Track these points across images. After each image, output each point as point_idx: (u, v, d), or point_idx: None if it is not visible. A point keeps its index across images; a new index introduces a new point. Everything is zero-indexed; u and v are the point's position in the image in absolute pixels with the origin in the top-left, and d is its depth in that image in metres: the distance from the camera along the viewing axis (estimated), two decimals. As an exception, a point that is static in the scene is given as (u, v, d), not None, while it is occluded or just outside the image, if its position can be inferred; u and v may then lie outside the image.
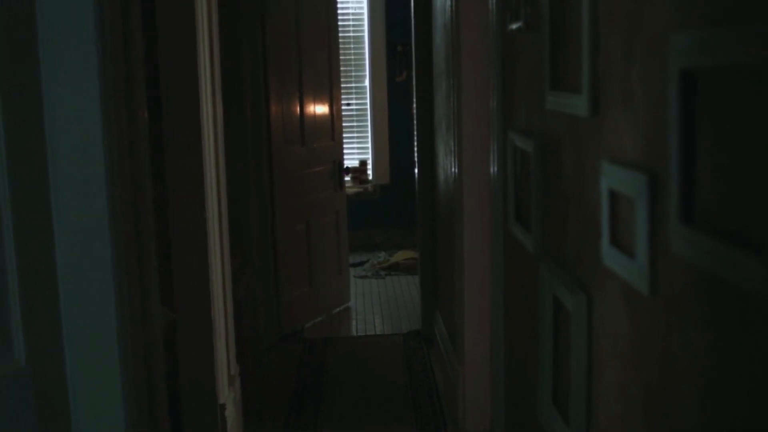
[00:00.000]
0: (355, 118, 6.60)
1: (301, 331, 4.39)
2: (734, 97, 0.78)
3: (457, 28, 2.83)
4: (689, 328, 0.91)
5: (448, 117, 3.31)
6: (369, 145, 6.62)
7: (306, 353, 4.06)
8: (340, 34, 5.26)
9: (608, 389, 1.20)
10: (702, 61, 0.84)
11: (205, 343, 2.62)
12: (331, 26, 4.63)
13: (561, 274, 1.41)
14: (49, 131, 1.54)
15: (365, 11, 6.46)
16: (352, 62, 6.54)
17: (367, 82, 6.56)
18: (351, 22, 6.52)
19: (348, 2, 6.47)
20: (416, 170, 4.29)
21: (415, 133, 4.26)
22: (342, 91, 5.01)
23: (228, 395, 2.80)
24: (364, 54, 6.54)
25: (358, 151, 6.65)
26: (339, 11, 5.23)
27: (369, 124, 6.59)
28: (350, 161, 6.47)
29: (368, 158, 6.63)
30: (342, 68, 5.22)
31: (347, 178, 5.98)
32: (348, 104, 6.50)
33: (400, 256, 5.90)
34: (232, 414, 2.83)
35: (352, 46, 6.52)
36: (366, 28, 6.50)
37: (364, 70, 6.56)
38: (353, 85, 6.57)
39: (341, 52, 5.32)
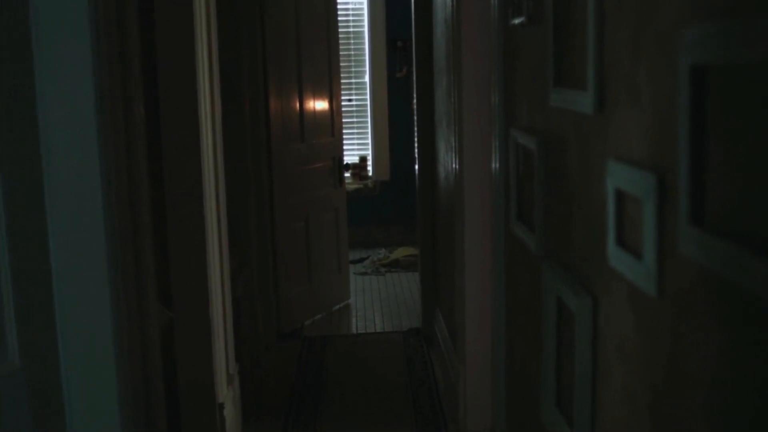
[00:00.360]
0: (354, 114, 6.57)
1: (301, 329, 4.37)
2: (747, 95, 0.75)
3: (458, 23, 2.80)
4: (698, 331, 0.89)
5: (448, 113, 3.28)
6: (369, 141, 6.59)
7: (305, 351, 4.03)
8: (340, 30, 5.22)
9: (614, 392, 1.18)
10: (713, 57, 0.81)
11: (204, 342, 2.59)
12: (330, 22, 4.60)
13: (565, 275, 1.38)
14: (43, 129, 1.51)
15: (365, 6, 6.43)
16: (352, 58, 6.50)
17: (367, 78, 6.53)
18: (351, 18, 6.48)
19: (348, -2, 6.44)
20: (416, 167, 4.27)
21: (416, 129, 4.24)
22: (342, 87, 4.98)
23: (227, 394, 2.77)
24: (364, 50, 6.50)
25: (357, 147, 6.62)
26: (339, 6, 5.20)
27: (369, 120, 6.56)
28: (350, 157, 6.44)
29: (368, 154, 6.60)
30: (342, 64, 5.19)
31: (347, 175, 5.95)
32: (350, 100, 6.47)
33: (400, 252, 5.88)
34: (230, 413, 2.81)
35: (351, 41, 6.49)
36: (366, 23, 6.46)
37: (364, 66, 6.52)
38: (353, 80, 6.53)
39: (341, 47, 5.29)
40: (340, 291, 4.79)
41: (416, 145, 4.23)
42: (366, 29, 6.46)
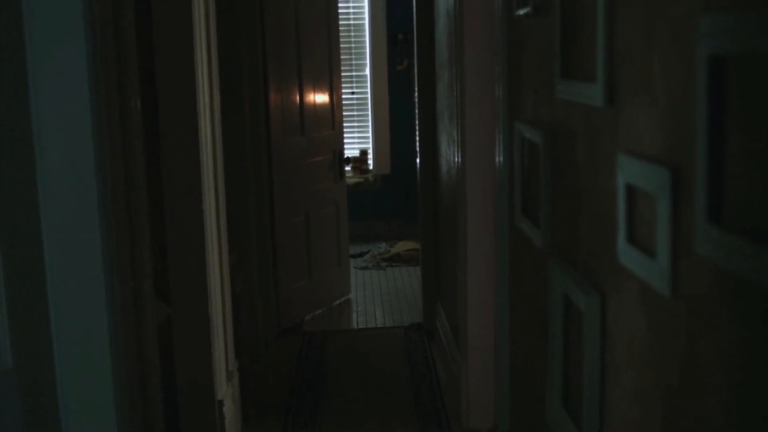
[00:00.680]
0: (355, 108, 6.52)
1: (301, 325, 4.34)
2: (770, 86, 0.71)
3: (461, 14, 2.76)
4: (714, 331, 0.85)
5: (450, 106, 3.24)
6: (369, 134, 6.55)
7: (305, 347, 4.00)
8: (340, 22, 5.17)
9: (624, 394, 1.14)
10: (733, 46, 0.77)
11: (203, 339, 2.56)
12: (330, 14, 4.55)
13: (572, 272, 1.35)
14: (36, 126, 1.47)
15: (365, -1, 6.38)
16: (353, 51, 6.45)
17: (367, 71, 6.48)
18: (351, 10, 6.43)
19: (348, -10, 6.38)
20: (418, 160, 4.23)
21: (417, 122, 4.20)
22: (342, 80, 4.94)
23: (226, 391, 2.74)
24: (364, 42, 6.45)
25: (358, 140, 6.58)
26: (339, -1, 5.14)
27: (369, 113, 6.52)
28: (350, 151, 6.40)
29: (369, 148, 6.56)
30: (342, 57, 5.14)
31: (347, 168, 5.91)
32: (351, 93, 6.42)
33: (401, 247, 5.85)
34: (230, 410, 2.78)
35: (352, 34, 6.44)
36: (366, 15, 6.41)
37: (365, 59, 6.47)
38: (353, 73, 6.48)
39: (341, 40, 5.24)
40: (340, 286, 4.75)
41: (417, 138, 4.19)
42: (366, 22, 6.41)
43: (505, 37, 1.95)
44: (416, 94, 4.22)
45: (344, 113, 5.45)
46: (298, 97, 4.31)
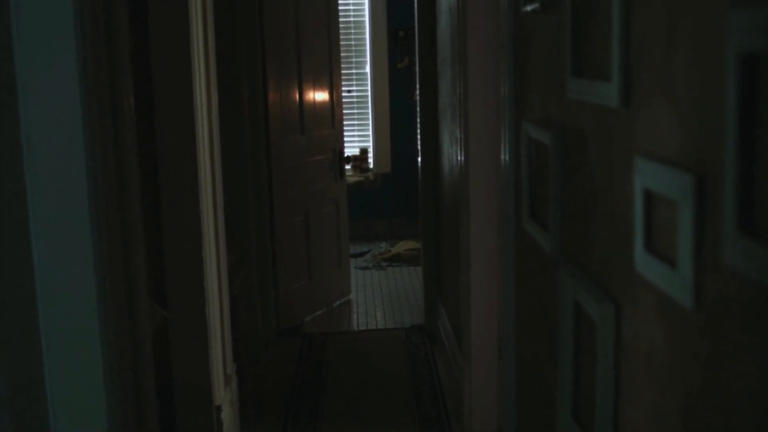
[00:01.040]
0: (355, 106, 6.46)
1: (301, 326, 4.28)
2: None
3: (464, 11, 2.70)
4: (741, 349, 0.80)
5: (453, 104, 3.18)
6: (370, 132, 6.49)
7: (305, 348, 3.95)
8: (340, 19, 5.11)
9: (640, 411, 1.09)
10: (766, 43, 0.71)
11: (200, 343, 2.50)
12: (330, 11, 4.49)
13: (584, 279, 1.29)
14: (24, 122, 1.42)
15: (366, -5, 6.32)
16: (353, 48, 6.39)
17: (368, 69, 6.42)
18: (351, 7, 6.36)
19: (348, -14, 6.32)
20: (419, 159, 4.17)
21: (418, 120, 4.14)
22: (342, 77, 4.88)
23: (224, 396, 2.69)
24: (364, 39, 6.39)
25: (358, 139, 6.52)
26: (339, -5, 5.08)
27: (370, 111, 6.46)
28: (351, 149, 6.34)
29: (369, 146, 6.50)
30: (342, 54, 5.08)
31: (347, 167, 5.85)
32: (350, 91, 6.36)
33: (402, 246, 5.79)
34: (228, 415, 2.72)
35: (352, 31, 6.37)
36: (367, 12, 6.34)
37: (365, 56, 6.41)
38: (354, 71, 6.42)
39: (341, 37, 5.18)
40: (340, 286, 4.70)
41: (419, 136, 4.14)
42: (367, 18, 6.35)
43: (512, 34, 1.89)
44: (417, 91, 4.17)
45: (344, 111, 5.40)
46: (297, 95, 4.25)
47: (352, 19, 6.37)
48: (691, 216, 0.88)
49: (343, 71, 5.13)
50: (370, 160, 6.49)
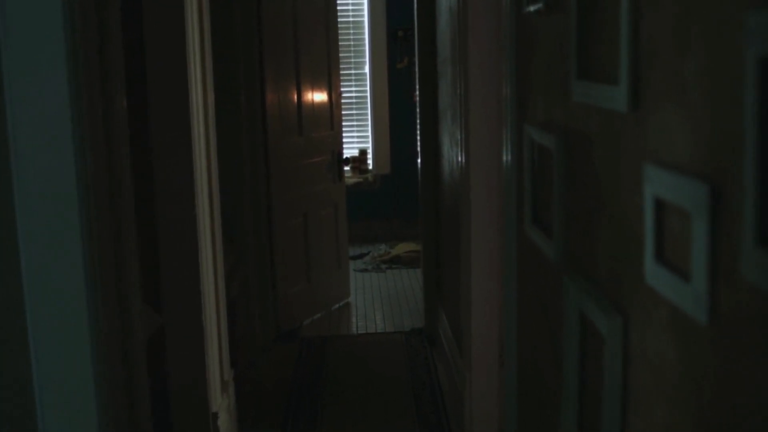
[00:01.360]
0: (354, 106, 6.42)
1: (299, 329, 4.24)
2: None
3: (465, 10, 2.65)
4: (758, 366, 0.75)
5: (453, 106, 3.14)
6: (369, 133, 6.45)
7: (304, 352, 3.90)
8: (339, 19, 5.06)
9: (649, 426, 1.04)
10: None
11: (196, 348, 2.46)
12: (329, 10, 4.44)
13: (590, 290, 1.25)
14: (11, 124, 1.37)
15: (365, -5, 6.27)
16: (352, 48, 6.35)
17: (367, 69, 6.37)
18: (350, 7, 6.32)
19: (347, -14, 6.27)
20: (419, 160, 4.13)
21: (418, 121, 4.10)
22: (341, 78, 4.83)
23: (221, 403, 2.64)
24: (363, 39, 6.34)
25: (357, 140, 6.48)
26: (338, -5, 5.03)
27: (369, 112, 6.41)
28: (350, 150, 6.30)
29: (368, 147, 6.46)
30: (341, 54, 5.04)
31: (346, 168, 5.81)
32: (349, 91, 6.31)
33: (402, 248, 5.75)
34: (225, 422, 2.68)
35: (351, 31, 6.33)
36: (366, 12, 6.30)
37: (364, 56, 6.37)
38: (353, 71, 6.38)
39: (340, 37, 5.13)
40: (339, 289, 4.66)
41: (418, 138, 4.09)
42: (366, 18, 6.30)
43: (514, 35, 1.85)
44: (417, 92, 4.13)
45: (343, 112, 5.35)
46: (295, 96, 4.21)
47: (351, 19, 6.32)
48: (705, 227, 0.84)
49: (342, 72, 5.09)
50: (370, 161, 6.45)
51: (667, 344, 0.97)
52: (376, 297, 4.85)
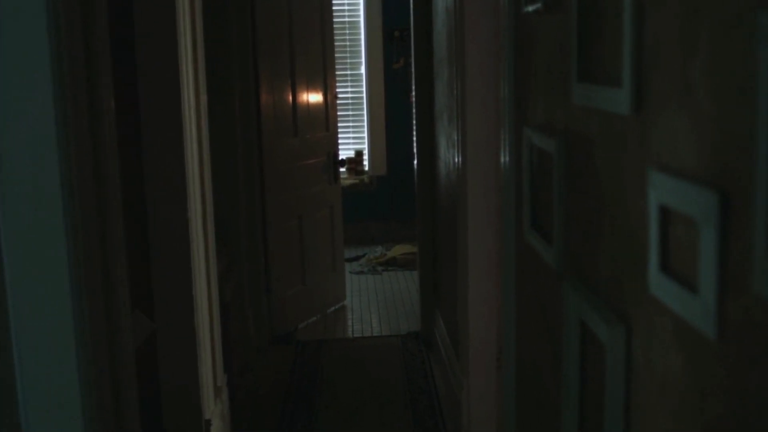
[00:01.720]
0: (350, 107, 6.38)
1: (294, 333, 4.19)
2: None
3: (461, 10, 2.61)
4: (770, 383, 0.72)
5: (450, 107, 3.10)
6: (365, 135, 6.40)
7: (299, 356, 3.86)
8: (335, 19, 5.02)
9: (654, 442, 1.00)
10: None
11: (188, 354, 2.41)
12: (325, 11, 4.40)
13: (591, 298, 1.21)
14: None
15: (361, -5, 6.23)
16: (347, 48, 6.31)
17: (363, 70, 6.33)
18: (346, 6, 6.28)
19: (343, -14, 6.23)
20: (415, 161, 4.09)
21: (414, 122, 4.06)
22: (337, 78, 4.79)
23: (214, 409, 2.60)
24: (359, 40, 6.30)
25: (353, 141, 6.43)
26: (333, -5, 4.99)
27: (365, 113, 6.37)
28: (346, 151, 6.26)
29: (364, 149, 6.42)
30: (337, 55, 5.00)
31: (342, 169, 5.77)
32: (336, 96, 6.28)
33: (398, 250, 5.71)
34: (219, 429, 2.63)
35: (347, 31, 6.29)
36: (362, 12, 6.26)
37: (360, 57, 6.33)
38: (348, 72, 6.34)
39: (336, 37, 5.09)
40: (335, 292, 4.61)
41: (415, 139, 4.06)
42: (362, 18, 6.26)
43: (512, 35, 1.81)
44: (413, 93, 4.09)
45: (339, 113, 5.32)
46: (290, 97, 4.16)
47: (346, 19, 6.28)
48: (714, 237, 0.80)
49: (337, 72, 5.05)
50: (366, 162, 6.41)
51: (672, 356, 0.93)
52: (372, 300, 4.81)
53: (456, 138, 2.89)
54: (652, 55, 0.97)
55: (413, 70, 4.04)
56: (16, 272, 1.39)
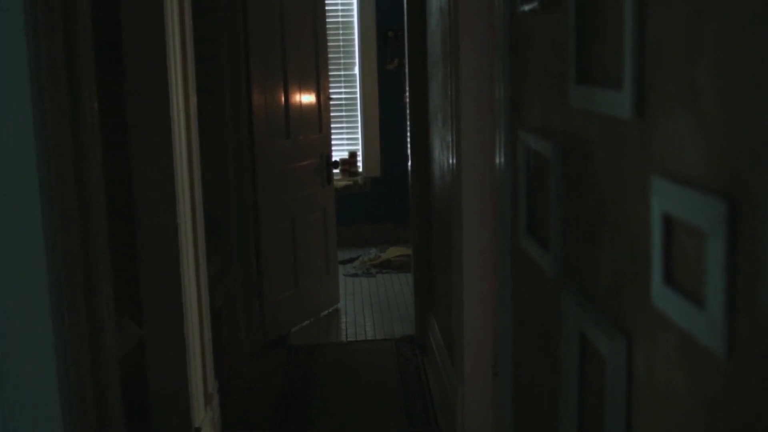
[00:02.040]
0: (344, 108, 6.33)
1: (287, 337, 4.14)
2: None
3: (456, 10, 2.57)
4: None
5: (444, 108, 3.06)
6: (359, 136, 6.36)
7: (292, 361, 3.81)
8: (328, 19, 4.98)
9: (657, 460, 0.96)
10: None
11: (178, 361, 2.37)
12: (317, 10, 4.35)
13: (590, 308, 1.17)
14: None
15: (354, -5, 6.18)
16: (341, 49, 6.26)
17: (356, 70, 6.29)
18: (339, 6, 6.23)
19: (336, -15, 6.18)
20: (409, 163, 4.05)
21: (408, 123, 4.02)
22: (330, 79, 4.74)
23: (204, 417, 2.55)
24: (353, 40, 6.26)
25: (347, 142, 6.39)
26: (326, -5, 4.95)
27: (359, 113, 6.32)
28: (339, 153, 6.21)
29: (358, 150, 6.37)
30: (330, 55, 4.95)
31: (336, 171, 5.72)
32: (338, 93, 6.23)
33: (392, 252, 5.66)
34: (208, 436, 2.58)
35: (340, 31, 6.24)
36: (355, 12, 6.21)
37: (354, 57, 6.28)
38: (342, 73, 6.29)
39: (329, 37, 5.05)
40: (328, 295, 4.56)
41: (409, 140, 4.01)
42: (355, 18, 6.22)
43: (507, 36, 1.77)
44: (407, 94, 4.05)
45: (332, 114, 5.27)
46: (283, 98, 4.11)
47: (340, 19, 6.23)
48: (721, 248, 0.76)
49: (330, 73, 5.00)
50: (359, 164, 6.36)
51: (677, 372, 0.89)
52: (366, 303, 4.77)
53: (450, 139, 2.85)
54: (655, 56, 0.93)
55: (407, 70, 4.00)
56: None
